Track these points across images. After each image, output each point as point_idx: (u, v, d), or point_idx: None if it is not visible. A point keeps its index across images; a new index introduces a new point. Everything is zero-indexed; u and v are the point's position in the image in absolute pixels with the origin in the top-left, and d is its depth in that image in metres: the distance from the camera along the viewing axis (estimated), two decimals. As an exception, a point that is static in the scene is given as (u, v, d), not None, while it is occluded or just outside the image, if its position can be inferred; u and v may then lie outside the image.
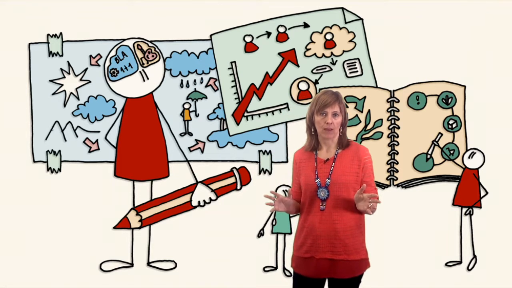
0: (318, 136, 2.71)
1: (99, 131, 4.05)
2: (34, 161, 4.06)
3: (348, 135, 3.92)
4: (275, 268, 4.00)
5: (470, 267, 3.99)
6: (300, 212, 2.78)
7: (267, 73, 4.00)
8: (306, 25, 4.00)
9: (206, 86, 4.04)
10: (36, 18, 4.03)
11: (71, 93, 4.05)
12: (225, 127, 4.02)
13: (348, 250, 2.65)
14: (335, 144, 2.71)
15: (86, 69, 4.05)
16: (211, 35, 4.01)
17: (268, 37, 4.01)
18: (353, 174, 2.65)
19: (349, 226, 2.65)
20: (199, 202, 4.02)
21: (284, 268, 4.00)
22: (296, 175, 2.80)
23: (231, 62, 4.01)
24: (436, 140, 3.96)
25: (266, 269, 4.01)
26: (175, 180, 4.03)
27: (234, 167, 4.02)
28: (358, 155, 2.67)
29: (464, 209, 3.98)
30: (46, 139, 4.05)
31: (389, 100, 3.96)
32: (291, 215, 2.73)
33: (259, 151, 4.02)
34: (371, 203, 2.56)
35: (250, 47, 4.00)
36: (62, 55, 4.05)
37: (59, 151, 4.05)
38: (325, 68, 3.99)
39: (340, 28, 3.98)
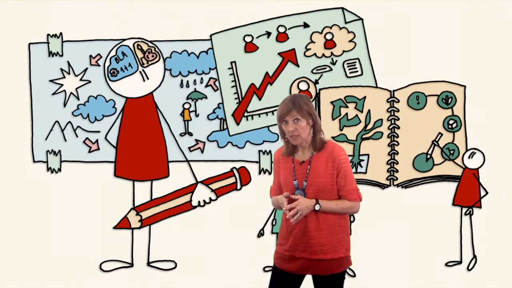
0: None
1: (99, 131, 4.05)
2: (34, 161, 4.06)
3: (348, 135, 3.97)
4: (275, 268, 4.00)
5: (470, 267, 3.99)
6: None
7: (267, 73, 4.00)
8: (306, 25, 4.00)
9: (206, 86, 4.04)
10: (36, 18, 4.03)
11: (71, 93, 4.05)
12: (225, 127, 4.02)
13: (325, 249, 2.67)
14: (309, 146, 2.72)
15: (86, 69, 4.05)
16: (211, 35, 4.01)
17: (268, 37, 4.01)
18: (328, 176, 2.66)
19: (325, 226, 2.67)
20: (199, 202, 4.02)
21: (284, 268, 4.00)
22: (276, 173, 2.83)
23: (231, 62, 4.01)
24: (436, 140, 3.96)
25: (266, 269, 4.01)
26: (175, 180, 4.03)
27: (234, 167, 4.02)
28: (333, 156, 2.67)
29: (464, 209, 3.99)
30: (46, 139, 4.05)
31: (389, 100, 3.96)
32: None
33: (259, 151, 4.02)
34: (290, 217, 2.58)
35: (250, 47, 4.00)
36: (62, 55, 4.05)
37: (59, 151, 4.05)
38: (325, 68, 3.99)
39: (340, 28, 3.98)
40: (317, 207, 2.62)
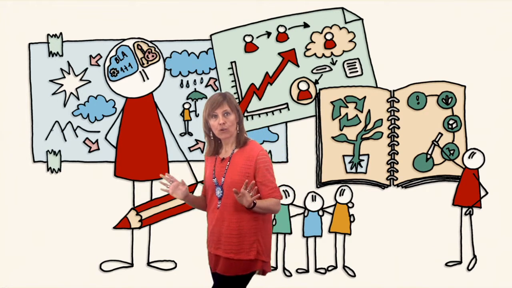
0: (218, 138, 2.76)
1: (99, 131, 4.05)
2: (34, 161, 4.06)
3: (348, 135, 3.97)
4: (275, 268, 4.00)
5: (470, 267, 3.99)
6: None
7: (267, 73, 4.00)
8: (306, 25, 4.00)
9: (206, 86, 4.04)
10: (36, 18, 4.03)
11: (71, 93, 4.05)
12: (225, 127, 4.02)
13: (233, 249, 2.67)
14: (232, 143, 2.74)
15: (86, 69, 4.05)
16: (211, 35, 4.01)
17: (268, 37, 4.01)
18: (244, 174, 2.65)
19: (238, 225, 2.67)
20: (199, 202, 4.01)
21: (284, 268, 4.00)
22: (205, 175, 2.86)
23: (231, 62, 4.01)
24: (436, 140, 3.96)
25: (266, 269, 4.01)
26: (175, 180, 4.03)
27: (234, 167, 4.02)
28: (252, 155, 2.68)
29: (464, 209, 3.99)
30: (46, 139, 4.05)
31: (389, 100, 3.96)
32: (200, 210, 2.83)
33: (259, 151, 4.01)
34: (252, 193, 2.54)
35: (250, 47, 4.00)
36: (62, 55, 4.05)
37: (59, 151, 4.05)
38: (325, 68, 3.99)
39: (340, 28, 3.98)
40: (251, 205, 2.58)
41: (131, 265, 4.06)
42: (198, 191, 4.03)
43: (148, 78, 4.03)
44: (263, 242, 2.72)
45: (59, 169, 4.05)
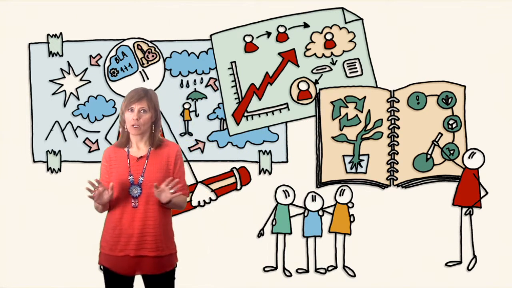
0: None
1: (99, 131, 4.05)
2: (34, 161, 4.06)
3: (348, 135, 3.97)
4: (275, 268, 4.01)
5: (470, 267, 3.99)
6: (108, 210, 2.80)
7: (267, 73, 4.00)
8: (306, 25, 4.00)
9: (206, 86, 4.04)
10: (36, 18, 4.03)
11: (71, 93, 4.05)
12: (225, 127, 4.02)
13: (160, 246, 2.70)
14: (145, 142, 2.74)
15: (86, 69, 4.05)
16: (211, 35, 4.01)
17: (268, 37, 4.01)
18: (166, 171, 2.71)
19: (161, 223, 2.71)
20: (199, 202, 4.02)
21: (284, 268, 4.00)
22: (105, 173, 2.80)
23: (231, 62, 4.01)
24: (436, 140, 3.96)
25: (266, 269, 4.01)
26: (175, 180, 4.03)
27: (234, 167, 4.02)
28: (171, 151, 2.74)
29: (464, 209, 3.99)
30: (46, 139, 4.05)
31: (389, 100, 3.96)
32: (100, 212, 2.76)
33: (259, 151, 4.02)
34: (174, 189, 2.60)
35: (250, 47, 4.00)
36: (62, 55, 4.05)
37: (59, 151, 4.05)
38: (325, 68, 3.99)
39: (340, 28, 3.98)
40: (168, 201, 2.64)
41: (131, 265, 4.05)
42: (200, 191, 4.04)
43: (148, 78, 4.03)
44: (172, 234, 2.82)
45: (59, 169, 4.06)
